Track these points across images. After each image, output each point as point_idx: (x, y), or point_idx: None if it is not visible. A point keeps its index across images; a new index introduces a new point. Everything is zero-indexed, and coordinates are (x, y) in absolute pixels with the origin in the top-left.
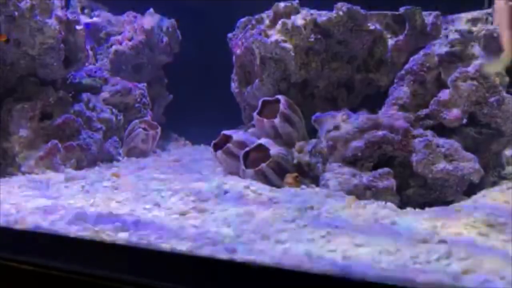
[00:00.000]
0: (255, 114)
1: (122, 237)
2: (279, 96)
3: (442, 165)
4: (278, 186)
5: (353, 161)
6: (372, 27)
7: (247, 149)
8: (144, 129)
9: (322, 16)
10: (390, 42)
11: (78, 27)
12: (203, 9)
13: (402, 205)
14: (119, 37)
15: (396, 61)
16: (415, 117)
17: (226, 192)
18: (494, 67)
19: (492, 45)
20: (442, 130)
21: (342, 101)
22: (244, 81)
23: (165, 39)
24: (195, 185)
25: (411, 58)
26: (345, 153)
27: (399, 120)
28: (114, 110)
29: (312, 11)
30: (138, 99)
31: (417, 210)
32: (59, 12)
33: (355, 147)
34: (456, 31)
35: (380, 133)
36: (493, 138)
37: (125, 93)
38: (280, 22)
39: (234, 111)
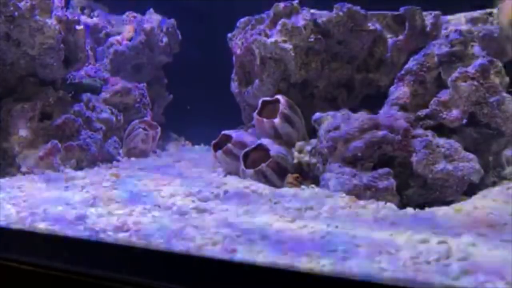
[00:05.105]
0: (255, 114)
1: (122, 237)
2: (279, 96)
3: (442, 165)
4: (278, 186)
5: (353, 161)
6: (372, 27)
7: (247, 149)
8: (144, 129)
9: (322, 16)
10: (390, 42)
11: (78, 27)
12: (203, 9)
13: (402, 205)
14: (119, 37)
15: (396, 61)
16: (415, 117)
17: (226, 192)
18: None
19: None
20: (442, 130)
21: (342, 101)
22: (244, 81)
23: (165, 39)
24: (195, 185)
25: (411, 58)
26: (345, 153)
27: (399, 120)
28: (114, 110)
29: (312, 11)
30: (138, 99)
31: (416, 210)
32: (59, 12)
33: (355, 147)
34: (456, 31)
35: (380, 133)
36: (493, 138)
37: (125, 93)
38: (280, 22)
39: (234, 111)
